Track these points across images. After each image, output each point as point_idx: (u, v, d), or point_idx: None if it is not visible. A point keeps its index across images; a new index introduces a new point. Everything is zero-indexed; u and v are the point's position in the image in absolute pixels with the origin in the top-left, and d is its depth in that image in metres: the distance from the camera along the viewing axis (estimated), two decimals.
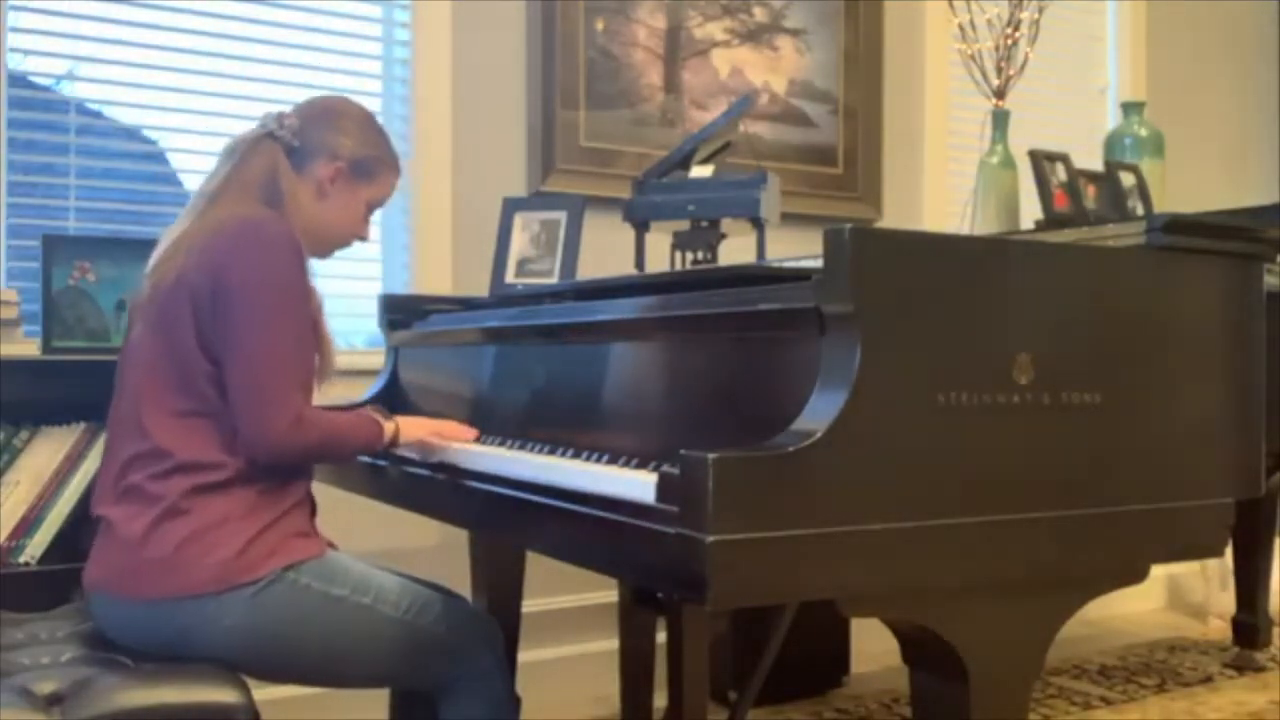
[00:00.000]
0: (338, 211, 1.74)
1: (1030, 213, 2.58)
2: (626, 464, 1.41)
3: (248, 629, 1.48)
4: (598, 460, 1.49)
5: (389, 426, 1.68)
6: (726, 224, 2.02)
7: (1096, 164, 2.72)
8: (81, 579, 1.58)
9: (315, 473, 1.97)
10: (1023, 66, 2.76)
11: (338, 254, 2.70)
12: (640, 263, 2.10)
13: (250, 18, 2.59)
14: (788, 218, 2.37)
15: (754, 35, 3.17)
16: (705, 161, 2.13)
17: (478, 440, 1.77)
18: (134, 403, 1.56)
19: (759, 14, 3.17)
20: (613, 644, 2.29)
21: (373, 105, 2.74)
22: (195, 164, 2.59)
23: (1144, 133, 2.89)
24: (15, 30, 2.37)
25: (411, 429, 1.73)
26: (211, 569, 1.47)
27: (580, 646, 2.83)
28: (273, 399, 1.51)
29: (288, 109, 1.73)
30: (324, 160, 1.71)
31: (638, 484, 1.22)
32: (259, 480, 1.54)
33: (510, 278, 2.28)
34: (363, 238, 1.82)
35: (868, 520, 1.17)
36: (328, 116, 1.73)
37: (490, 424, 1.84)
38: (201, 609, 1.47)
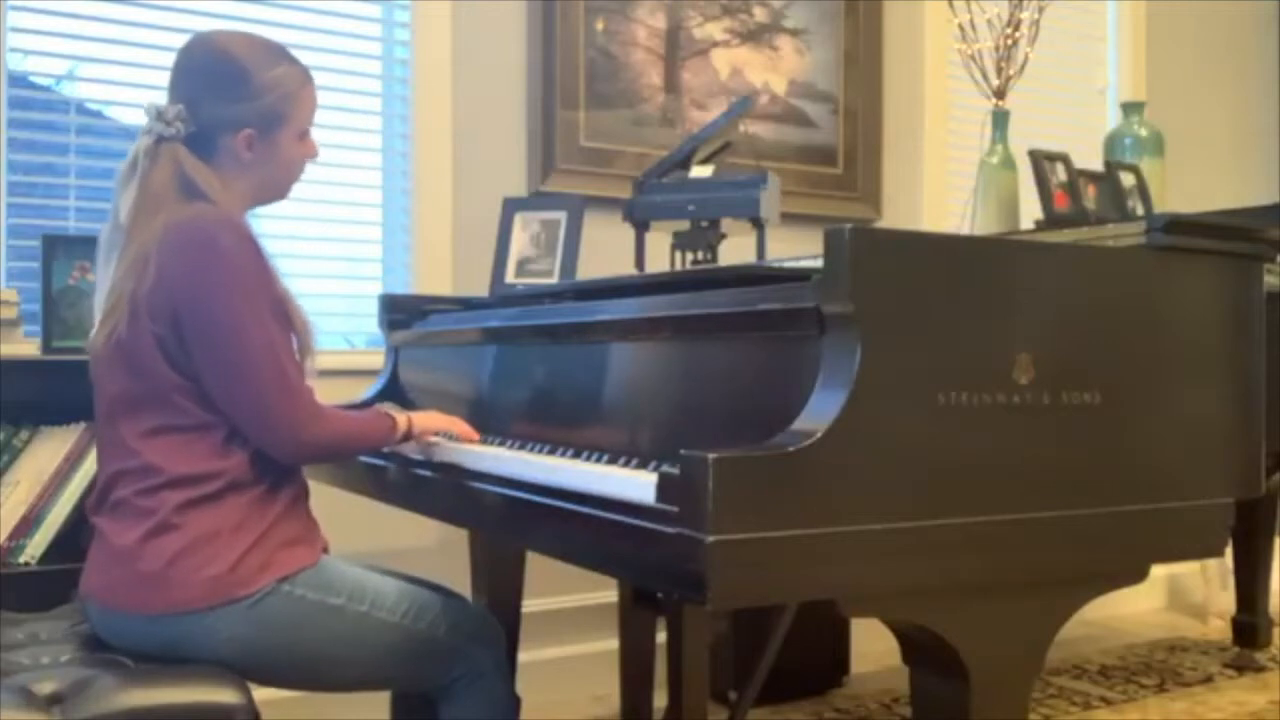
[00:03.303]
0: (270, 167, 1.64)
1: (1030, 213, 2.58)
2: (626, 464, 1.41)
3: (245, 641, 1.47)
4: (598, 460, 1.49)
5: (401, 420, 1.68)
6: (726, 224, 2.02)
7: (1096, 164, 2.72)
8: (79, 586, 1.57)
9: (315, 473, 1.97)
10: (1023, 66, 2.76)
11: (338, 254, 2.70)
12: (640, 263, 2.10)
13: (250, 18, 2.59)
14: (788, 218, 2.37)
15: (754, 35, 3.16)
16: (705, 161, 2.13)
17: (478, 441, 1.77)
18: (112, 425, 1.54)
19: (759, 14, 3.17)
20: (613, 644, 2.29)
21: (372, 105, 2.75)
22: None
23: (1144, 133, 2.89)
24: (15, 30, 2.37)
25: (424, 423, 1.72)
26: (204, 584, 1.45)
27: (580, 646, 2.83)
28: (282, 401, 1.50)
29: (162, 96, 1.62)
30: (229, 134, 1.59)
31: (638, 484, 1.22)
32: (249, 489, 1.52)
33: (510, 278, 2.28)
34: (313, 157, 1.71)
35: (868, 520, 1.17)
36: (211, 84, 1.59)
37: (490, 424, 1.84)
38: (196, 623, 1.46)
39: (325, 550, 1.62)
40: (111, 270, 1.55)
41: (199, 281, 1.48)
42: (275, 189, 1.70)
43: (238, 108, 1.59)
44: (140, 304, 1.49)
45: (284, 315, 1.54)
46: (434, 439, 1.74)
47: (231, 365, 1.49)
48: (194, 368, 1.50)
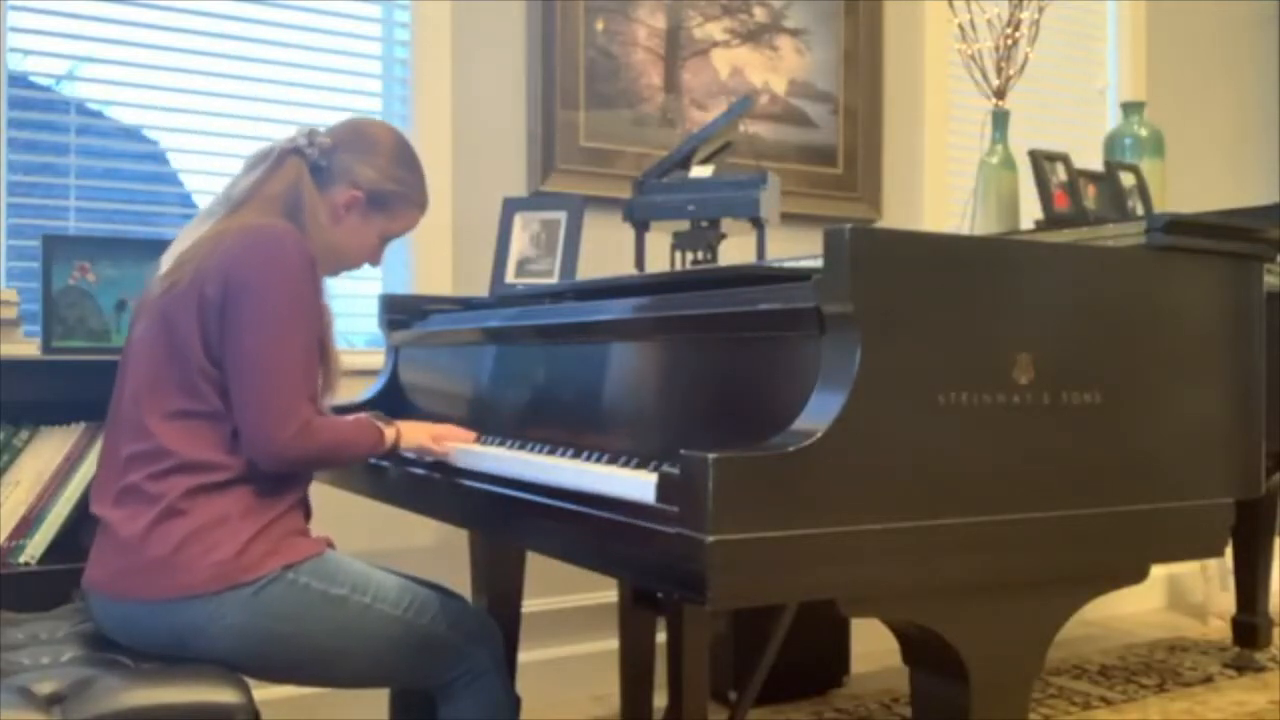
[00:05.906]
0: (349, 237, 1.76)
1: (1030, 213, 2.58)
2: (626, 464, 1.42)
3: (247, 628, 1.49)
4: (598, 460, 1.49)
5: (389, 433, 1.69)
6: (726, 224, 2.02)
7: (1096, 164, 2.72)
8: (81, 580, 1.58)
9: (315, 474, 1.97)
10: (1023, 66, 2.76)
11: None
12: (640, 263, 2.10)
13: (250, 17, 2.59)
14: (788, 218, 2.37)
15: (754, 35, 3.17)
16: (705, 161, 2.13)
17: (478, 440, 1.77)
18: (134, 402, 1.56)
19: (759, 14, 3.17)
20: (613, 644, 2.29)
21: (372, 105, 2.75)
22: (195, 164, 2.60)
23: (1144, 133, 2.89)
24: (15, 30, 2.37)
25: (411, 434, 1.73)
26: (210, 569, 1.47)
27: (580, 646, 2.83)
28: (280, 406, 1.51)
29: (323, 127, 1.75)
30: (344, 186, 1.73)
31: (638, 484, 1.22)
32: (258, 481, 1.54)
33: (510, 278, 2.28)
34: (373, 264, 1.85)
35: (868, 520, 1.17)
36: (359, 143, 1.75)
37: (490, 424, 1.84)
38: (201, 608, 1.47)
39: (331, 545, 1.63)
40: (202, 229, 1.63)
41: (247, 270, 1.54)
42: (337, 260, 1.79)
43: (364, 171, 1.74)
44: (203, 274, 1.55)
45: (316, 340, 1.58)
46: (429, 444, 1.74)
47: (240, 357, 1.52)
48: (221, 353, 1.54)
